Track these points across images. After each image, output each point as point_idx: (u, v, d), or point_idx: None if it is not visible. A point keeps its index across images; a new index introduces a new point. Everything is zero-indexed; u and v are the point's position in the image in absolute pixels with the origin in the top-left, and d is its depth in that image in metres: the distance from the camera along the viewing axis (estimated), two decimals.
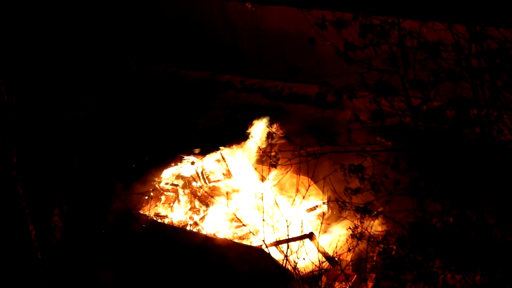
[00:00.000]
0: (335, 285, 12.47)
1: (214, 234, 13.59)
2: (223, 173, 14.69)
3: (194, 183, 14.66)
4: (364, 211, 11.09)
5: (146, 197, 14.71)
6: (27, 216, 11.62)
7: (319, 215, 13.51)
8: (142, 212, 14.48)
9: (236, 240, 13.43)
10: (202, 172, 14.72)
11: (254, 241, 13.13)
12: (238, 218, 13.69)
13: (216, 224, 13.87)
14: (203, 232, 13.93)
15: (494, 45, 9.90)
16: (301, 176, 13.91)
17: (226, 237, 13.55)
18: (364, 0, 12.50)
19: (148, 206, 14.77)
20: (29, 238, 11.59)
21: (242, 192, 14.39)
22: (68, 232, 13.21)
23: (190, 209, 14.36)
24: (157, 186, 15.01)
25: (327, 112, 13.46)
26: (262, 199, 13.86)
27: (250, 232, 13.22)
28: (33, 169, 11.96)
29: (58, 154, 14.26)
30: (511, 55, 9.93)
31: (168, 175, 15.20)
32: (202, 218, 14.03)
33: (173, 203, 14.53)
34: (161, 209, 14.54)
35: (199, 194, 14.52)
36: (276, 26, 14.98)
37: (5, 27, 14.37)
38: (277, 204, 13.52)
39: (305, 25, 13.38)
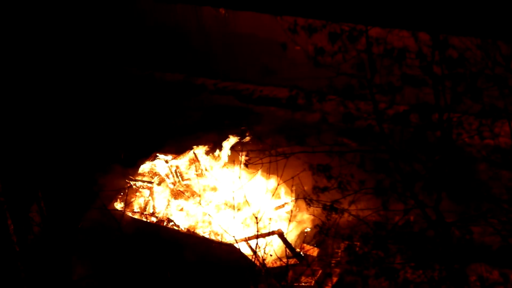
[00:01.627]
0: (302, 279, 12.47)
1: (187, 230, 13.59)
2: (196, 172, 14.69)
3: (168, 181, 14.62)
4: (331, 209, 11.12)
5: (122, 194, 14.55)
6: (5, 211, 11.61)
7: (287, 212, 13.53)
8: (117, 208, 14.41)
9: (207, 236, 13.42)
10: (176, 171, 14.70)
11: (225, 237, 13.12)
12: (209, 215, 13.65)
13: (189, 220, 13.83)
14: (176, 227, 13.76)
15: (455, 53, 9.87)
16: (271, 175, 14.15)
17: (198, 233, 13.48)
18: (334, 8, 12.51)
19: (124, 202, 14.57)
20: (7, 232, 11.60)
21: (214, 190, 14.36)
22: (45, 226, 12.98)
23: (164, 206, 14.26)
24: (132, 183, 14.82)
25: (297, 114, 13.57)
26: (233, 198, 13.74)
27: (221, 228, 13.13)
28: (11, 166, 11.95)
29: (36, 150, 14.19)
30: (471, 63, 9.86)
31: (143, 172, 15.09)
32: (176, 213, 14.03)
33: (148, 200, 14.41)
34: (136, 205, 14.40)
35: (173, 191, 14.45)
36: (249, 30, 15.02)
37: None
38: (247, 202, 13.52)
39: (277, 30, 13.76)
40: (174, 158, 14.88)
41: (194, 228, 13.74)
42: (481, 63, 9.95)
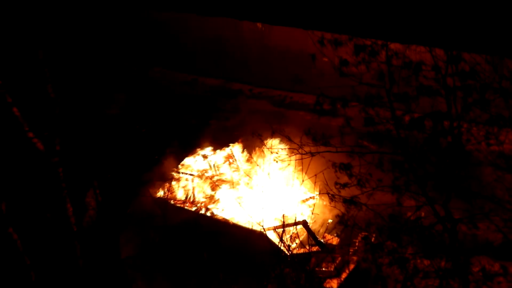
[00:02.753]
0: (323, 265, 12.42)
1: (223, 218, 13.64)
2: (231, 167, 14.76)
3: (206, 174, 14.68)
4: (350, 203, 11.23)
5: (167, 184, 14.64)
6: (66, 196, 11.66)
7: (311, 205, 13.55)
8: (162, 197, 14.48)
9: (240, 224, 13.53)
10: (214, 165, 14.76)
11: (256, 225, 12.99)
12: (241, 206, 13.68)
13: (224, 209, 13.90)
14: (213, 215, 13.90)
15: (467, 67, 9.89)
16: (298, 171, 14.13)
17: (231, 221, 13.62)
18: (359, 24, 12.50)
19: (168, 191, 14.58)
20: (66, 214, 11.69)
21: (247, 183, 14.33)
22: (99, 211, 13.10)
23: (203, 196, 14.31)
24: (175, 175, 14.82)
25: (323, 118, 13.27)
26: (263, 190, 13.80)
27: (252, 217, 13.10)
28: (72, 157, 11.95)
29: (94, 144, 14.27)
30: (481, 77, 9.89)
31: (185, 165, 15.03)
32: (213, 203, 14.09)
33: (189, 190, 14.44)
34: (179, 195, 14.45)
35: (211, 183, 14.51)
36: (282, 43, 14.96)
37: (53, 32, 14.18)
38: (276, 194, 13.67)
39: (307, 43, 13.27)
40: (213, 153, 14.95)
41: (229, 216, 13.73)
42: (490, 77, 9.90)
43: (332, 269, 12.24)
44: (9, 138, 11.62)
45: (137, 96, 17.11)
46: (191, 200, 14.32)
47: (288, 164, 13.97)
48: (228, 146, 15.06)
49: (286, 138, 14.10)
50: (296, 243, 12.72)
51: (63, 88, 12.16)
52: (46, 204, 11.88)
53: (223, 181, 14.61)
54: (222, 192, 14.25)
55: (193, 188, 14.45)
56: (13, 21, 11.98)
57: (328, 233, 13.08)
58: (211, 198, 14.23)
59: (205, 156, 14.93)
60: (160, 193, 14.54)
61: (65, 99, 11.83)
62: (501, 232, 10.30)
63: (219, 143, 15.18)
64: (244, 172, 14.53)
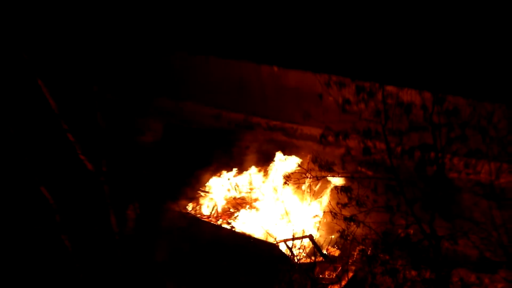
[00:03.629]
0: (326, 273, 12.44)
1: (241, 231, 13.61)
2: (250, 188, 14.80)
3: (228, 193, 14.70)
4: (350, 220, 11.26)
5: (194, 201, 14.68)
6: (110, 209, 11.96)
7: (317, 222, 13.51)
8: (189, 212, 14.47)
9: (255, 236, 13.45)
10: (235, 185, 14.76)
11: (269, 238, 13.15)
12: (257, 221, 13.74)
13: (242, 224, 13.89)
14: (233, 229, 13.84)
15: (451, 107, 10.01)
16: (306, 193, 14.04)
17: (249, 234, 13.60)
18: (359, 69, 12.42)
19: (195, 208, 14.60)
20: (110, 225, 11.96)
21: (263, 202, 14.34)
22: (137, 222, 13.29)
23: (225, 212, 14.41)
24: (202, 194, 14.82)
25: (328, 148, 13.32)
26: (276, 208, 13.85)
27: (266, 231, 13.24)
28: (116, 177, 12.09)
29: (134, 166, 14.58)
30: (462, 116, 9.98)
31: (210, 186, 14.98)
32: (233, 219, 14.06)
33: (213, 207, 14.54)
34: (205, 211, 14.53)
35: (232, 201, 14.56)
36: (294, 84, 14.83)
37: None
38: (287, 212, 13.53)
39: (315, 84, 13.55)
40: (235, 176, 14.94)
41: (247, 230, 13.74)
42: (469, 116, 9.97)
43: (333, 277, 12.22)
44: (64, 159, 11.90)
45: (170, 126, 16.87)
46: (215, 215, 14.31)
47: (297, 187, 14.10)
48: (247, 169, 15.03)
49: (296, 164, 14.37)
50: (303, 254, 12.61)
51: (109, 117, 12.25)
52: (93, 215, 12.12)
53: (242, 199, 14.56)
54: (241, 209, 14.24)
55: (216, 205, 14.47)
56: (74, 62, 12.28)
57: (331, 246, 13.09)
58: (231, 214, 14.20)
59: (228, 178, 14.91)
60: (189, 209, 14.49)
61: (110, 127, 11.99)
62: (478, 249, 10.34)
63: (240, 167, 15.15)
64: (260, 192, 14.52)
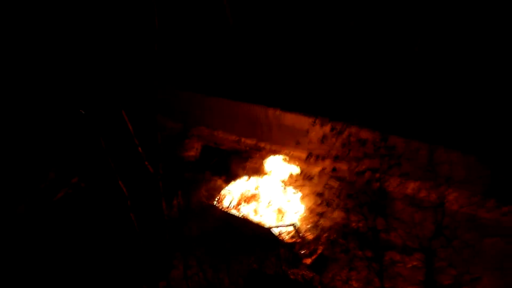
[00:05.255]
0: (302, 250, 12.22)
1: (248, 217, 13.40)
2: (256, 189, 14.38)
3: (242, 191, 14.36)
4: (321, 215, 12.33)
5: (218, 196, 14.44)
6: (162, 199, 11.63)
7: (300, 215, 13.28)
8: (214, 203, 14.24)
9: (256, 222, 13.19)
10: (246, 187, 14.42)
11: (266, 225, 13.07)
12: (259, 212, 13.57)
13: (249, 213, 13.60)
14: (244, 217, 13.41)
15: (391, 143, 10.28)
16: (294, 194, 13.83)
17: (252, 220, 13.32)
18: (334, 114, 12.12)
19: (218, 201, 14.28)
20: (162, 210, 11.71)
21: (264, 199, 13.91)
22: (179, 209, 13.10)
23: (239, 204, 13.99)
24: (223, 192, 14.51)
25: (310, 166, 13.25)
26: (273, 204, 13.59)
27: (264, 219, 13.16)
28: (167, 177, 11.78)
29: (179, 171, 14.51)
30: (398, 149, 10.24)
31: (230, 186, 14.65)
32: (244, 210, 13.79)
33: (231, 201, 14.14)
34: (225, 203, 14.14)
35: (244, 197, 14.19)
36: (290, 122, 14.39)
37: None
38: (280, 207, 13.46)
39: (305, 123, 13.72)
40: (247, 180, 14.67)
41: (250, 217, 13.47)
42: (403, 150, 10.41)
43: (307, 253, 12.13)
44: (135, 164, 12.09)
45: (206, 146, 16.27)
46: (232, 206, 14.02)
47: (290, 191, 14.04)
48: (255, 176, 14.76)
49: (289, 175, 14.61)
50: (288, 237, 12.62)
51: (165, 138, 12.43)
52: (151, 202, 12.10)
53: (251, 196, 14.13)
54: (249, 203, 13.96)
55: (232, 200, 14.15)
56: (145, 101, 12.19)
57: (307, 232, 12.80)
58: (244, 205, 13.94)
59: (241, 182, 14.70)
60: (214, 202, 14.33)
61: (166, 144, 12.10)
62: (402, 238, 10.63)
63: (250, 175, 14.88)
64: (263, 192, 14.18)
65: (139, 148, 11.59)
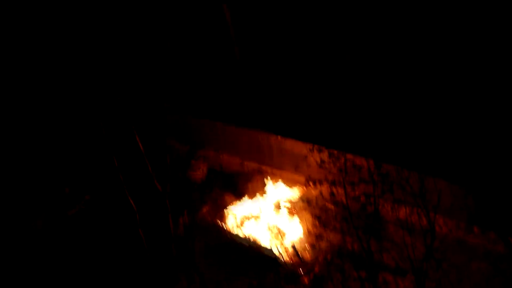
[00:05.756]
0: (300, 269, 12.35)
1: (249, 237, 13.51)
2: (258, 208, 14.40)
3: (243, 211, 14.43)
4: (319, 238, 12.47)
5: (221, 217, 14.42)
6: (169, 217, 12.04)
7: (299, 236, 13.27)
8: (218, 223, 14.21)
9: (257, 241, 13.31)
10: (248, 207, 14.52)
11: (266, 244, 13.22)
12: (259, 231, 13.60)
13: (251, 233, 13.68)
14: (245, 236, 13.59)
15: (384, 170, 10.62)
16: (293, 216, 13.83)
17: (254, 239, 13.39)
18: (331, 142, 12.34)
19: (222, 221, 14.27)
20: (169, 227, 12.06)
21: (264, 219, 14.00)
22: (185, 227, 13.40)
23: (242, 224, 14.11)
24: (226, 211, 14.54)
25: (309, 188, 13.11)
26: (273, 225, 13.64)
27: (264, 240, 13.28)
28: (174, 196, 12.11)
29: (186, 191, 14.73)
30: (390, 176, 10.49)
31: (233, 206, 14.63)
32: (244, 228, 14.04)
33: (234, 220, 14.28)
34: (228, 223, 14.16)
35: (245, 217, 14.25)
36: (290, 147, 14.26)
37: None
38: (279, 229, 13.55)
39: (303, 148, 13.94)
40: (247, 201, 14.68)
41: (252, 237, 13.57)
42: (395, 177, 10.46)
43: (305, 271, 12.24)
44: (144, 182, 12.41)
45: (212, 168, 16.29)
46: (234, 226, 14.08)
47: (289, 212, 14.04)
48: (257, 198, 14.71)
49: (289, 198, 14.68)
50: (288, 256, 12.75)
51: (173, 159, 12.77)
52: (159, 219, 12.30)
53: (253, 217, 14.25)
54: (251, 223, 14.06)
55: (235, 219, 14.22)
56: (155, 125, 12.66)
57: (306, 252, 12.91)
58: (245, 226, 14.01)
59: (244, 203, 14.64)
60: (218, 221, 14.32)
61: (174, 165, 12.56)
62: (394, 259, 11.06)
63: (253, 197, 14.84)
64: (264, 213, 14.22)
65: (149, 168, 12.00)
